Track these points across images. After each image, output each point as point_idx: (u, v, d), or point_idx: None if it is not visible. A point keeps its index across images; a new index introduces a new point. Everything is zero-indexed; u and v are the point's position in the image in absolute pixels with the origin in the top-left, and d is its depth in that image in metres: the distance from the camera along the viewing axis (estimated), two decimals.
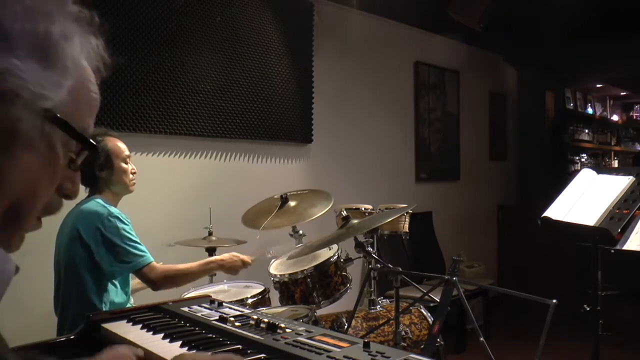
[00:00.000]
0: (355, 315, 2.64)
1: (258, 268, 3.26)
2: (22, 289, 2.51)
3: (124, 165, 2.33)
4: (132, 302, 2.38)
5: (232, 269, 2.46)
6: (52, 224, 2.35)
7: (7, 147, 0.60)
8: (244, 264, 2.49)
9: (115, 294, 2.26)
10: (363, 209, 3.15)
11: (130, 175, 2.36)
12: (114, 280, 2.26)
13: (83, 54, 0.67)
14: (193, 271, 2.34)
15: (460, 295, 2.14)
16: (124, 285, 2.33)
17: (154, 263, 2.23)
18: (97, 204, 2.24)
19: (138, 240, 2.23)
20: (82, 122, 0.67)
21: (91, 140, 0.68)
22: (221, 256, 2.48)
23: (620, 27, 4.88)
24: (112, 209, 2.24)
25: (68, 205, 2.35)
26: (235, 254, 2.49)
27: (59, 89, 0.62)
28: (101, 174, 2.29)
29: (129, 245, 2.18)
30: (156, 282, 2.22)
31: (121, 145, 2.35)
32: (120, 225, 2.19)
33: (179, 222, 3.26)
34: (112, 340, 1.38)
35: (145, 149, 3.20)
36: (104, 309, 2.16)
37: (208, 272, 2.43)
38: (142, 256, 2.19)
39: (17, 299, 2.11)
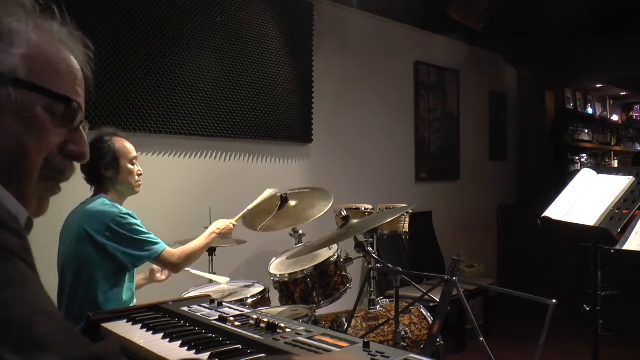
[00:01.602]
0: (355, 315, 2.64)
1: (258, 268, 3.27)
2: None
3: (130, 166, 2.36)
4: (134, 302, 2.39)
5: (226, 235, 2.63)
6: (52, 223, 2.35)
7: None
8: (233, 226, 2.66)
9: (122, 291, 2.29)
10: (363, 209, 3.15)
11: (136, 177, 2.39)
12: (122, 277, 2.29)
13: (33, 27, 0.74)
14: (202, 246, 2.51)
15: (460, 295, 2.14)
16: (131, 281, 2.36)
17: (169, 248, 2.35)
18: (105, 203, 2.27)
19: (150, 232, 2.32)
20: (60, 88, 0.74)
21: (69, 97, 0.75)
22: (215, 225, 2.62)
23: (620, 27, 4.88)
24: (121, 208, 2.30)
25: (71, 205, 2.36)
26: (223, 220, 2.65)
27: (7, 56, 0.70)
28: (107, 173, 2.32)
29: (145, 237, 2.28)
30: (176, 264, 2.38)
31: (129, 146, 2.38)
32: (132, 221, 2.27)
33: (179, 222, 3.26)
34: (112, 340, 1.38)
35: (145, 148, 3.20)
36: (111, 307, 2.17)
37: (212, 243, 2.60)
38: (158, 243, 2.31)
39: None
